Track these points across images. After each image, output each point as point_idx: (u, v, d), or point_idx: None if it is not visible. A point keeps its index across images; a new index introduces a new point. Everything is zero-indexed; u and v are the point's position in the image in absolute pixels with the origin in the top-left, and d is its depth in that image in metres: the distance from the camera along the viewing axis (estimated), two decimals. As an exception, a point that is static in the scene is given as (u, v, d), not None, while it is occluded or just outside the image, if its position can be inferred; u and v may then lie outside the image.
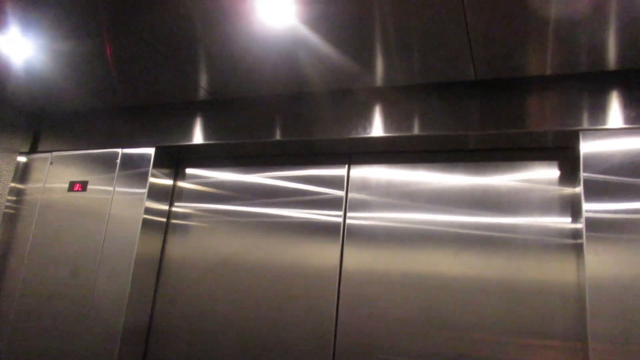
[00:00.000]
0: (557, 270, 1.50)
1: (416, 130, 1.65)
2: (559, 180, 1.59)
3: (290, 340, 1.73)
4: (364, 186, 1.83)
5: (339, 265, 1.75)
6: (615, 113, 1.43)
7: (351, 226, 1.78)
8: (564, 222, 1.54)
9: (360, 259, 1.74)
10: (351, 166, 1.87)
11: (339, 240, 1.78)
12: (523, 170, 1.65)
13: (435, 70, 1.58)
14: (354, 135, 1.72)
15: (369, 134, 1.70)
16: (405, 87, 1.70)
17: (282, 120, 1.85)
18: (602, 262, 1.32)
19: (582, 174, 1.41)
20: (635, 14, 1.20)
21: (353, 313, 1.68)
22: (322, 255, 1.78)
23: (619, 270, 1.30)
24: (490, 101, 1.58)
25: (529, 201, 1.60)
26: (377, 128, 1.70)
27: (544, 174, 1.62)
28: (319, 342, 1.69)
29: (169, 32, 1.48)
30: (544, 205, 1.58)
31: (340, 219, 1.80)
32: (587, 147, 1.44)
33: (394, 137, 1.69)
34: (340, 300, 1.71)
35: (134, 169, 2.02)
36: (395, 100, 1.71)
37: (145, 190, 1.95)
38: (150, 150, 2.01)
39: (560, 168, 1.60)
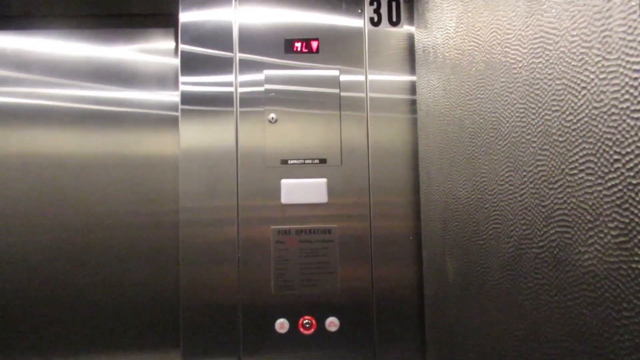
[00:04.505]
0: (169, 142, 1.60)
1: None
2: (174, 51, 1.63)
3: None
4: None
5: None
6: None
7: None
8: (176, 94, 1.62)
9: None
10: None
11: None
12: (143, 39, 1.64)
13: None
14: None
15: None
16: None
17: None
18: (193, 132, 1.46)
19: (180, 45, 1.47)
20: None
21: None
22: None
23: (206, 138, 1.46)
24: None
25: (147, 73, 1.63)
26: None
27: (162, 45, 1.64)
28: None
29: None
30: (161, 77, 1.63)
31: None
32: (186, 15, 1.48)
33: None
34: None
35: None
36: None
37: None
38: None
39: (176, 38, 1.63)
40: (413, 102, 1.48)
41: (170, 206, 1.57)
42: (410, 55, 1.49)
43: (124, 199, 1.59)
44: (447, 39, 1.14)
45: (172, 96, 1.62)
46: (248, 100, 1.47)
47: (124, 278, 1.58)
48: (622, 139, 0.54)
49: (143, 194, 1.60)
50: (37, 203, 1.58)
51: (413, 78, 1.48)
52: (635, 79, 0.52)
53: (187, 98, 1.47)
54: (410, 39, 1.49)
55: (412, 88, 1.48)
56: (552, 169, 0.68)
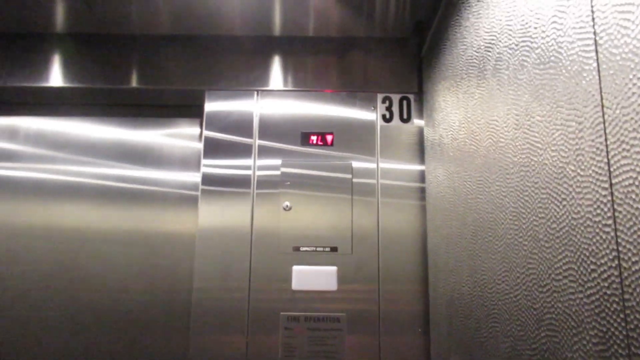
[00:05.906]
0: (191, 220, 1.70)
1: (62, 82, 1.65)
2: (199, 137, 1.78)
3: None
4: (12, 136, 1.77)
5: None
6: (236, 75, 1.65)
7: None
8: (198, 176, 1.74)
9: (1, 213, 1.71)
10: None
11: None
12: (170, 126, 1.79)
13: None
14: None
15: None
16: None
17: None
18: (211, 212, 1.55)
19: (204, 131, 1.61)
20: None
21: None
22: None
23: (223, 218, 1.54)
24: (138, 57, 1.67)
25: (173, 155, 1.76)
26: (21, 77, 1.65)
27: (187, 131, 1.79)
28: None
29: None
30: (185, 160, 1.76)
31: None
32: (211, 106, 1.63)
33: (42, 88, 1.66)
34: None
35: None
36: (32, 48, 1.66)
37: None
38: None
39: (201, 125, 1.78)
40: (422, 190, 1.55)
41: (185, 284, 1.63)
42: (420, 147, 1.58)
43: (140, 275, 1.66)
44: (452, 139, 1.23)
45: (193, 177, 1.73)
46: (265, 183, 1.57)
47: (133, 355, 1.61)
48: (597, 250, 0.59)
49: (159, 270, 1.66)
50: (56, 277, 1.66)
51: (422, 167, 1.57)
52: (604, 195, 0.58)
53: (207, 179, 1.58)
54: (420, 132, 1.59)
55: (422, 176, 1.56)
56: (541, 272, 0.73)
